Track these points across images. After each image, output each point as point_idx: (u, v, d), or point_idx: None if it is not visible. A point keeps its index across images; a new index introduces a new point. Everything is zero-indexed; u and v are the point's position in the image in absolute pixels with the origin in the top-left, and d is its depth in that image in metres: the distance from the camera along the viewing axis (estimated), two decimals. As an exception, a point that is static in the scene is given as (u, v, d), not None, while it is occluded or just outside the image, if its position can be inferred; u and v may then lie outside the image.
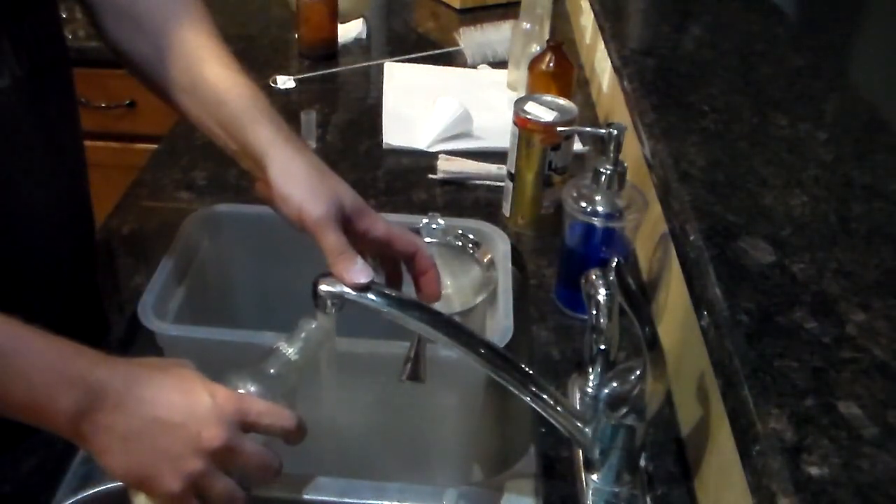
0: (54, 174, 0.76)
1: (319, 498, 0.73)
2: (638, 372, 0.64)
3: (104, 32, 0.78)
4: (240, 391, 0.62)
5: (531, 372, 0.65)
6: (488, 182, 1.16)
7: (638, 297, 0.61)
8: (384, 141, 1.26)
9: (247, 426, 0.60)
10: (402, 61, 1.54)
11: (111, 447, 0.58)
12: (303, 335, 0.64)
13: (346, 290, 0.63)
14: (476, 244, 0.86)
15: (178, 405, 0.58)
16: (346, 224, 0.67)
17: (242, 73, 0.74)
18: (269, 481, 0.63)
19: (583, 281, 0.72)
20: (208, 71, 0.73)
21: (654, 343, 0.61)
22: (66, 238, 0.80)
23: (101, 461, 0.59)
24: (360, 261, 0.64)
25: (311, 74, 1.48)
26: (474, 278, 0.85)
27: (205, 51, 0.74)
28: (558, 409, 0.66)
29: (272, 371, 0.63)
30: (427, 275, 0.70)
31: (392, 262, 0.72)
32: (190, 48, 0.74)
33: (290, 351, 0.63)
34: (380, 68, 1.51)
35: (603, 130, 0.86)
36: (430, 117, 1.27)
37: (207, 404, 0.58)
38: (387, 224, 0.70)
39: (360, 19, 1.67)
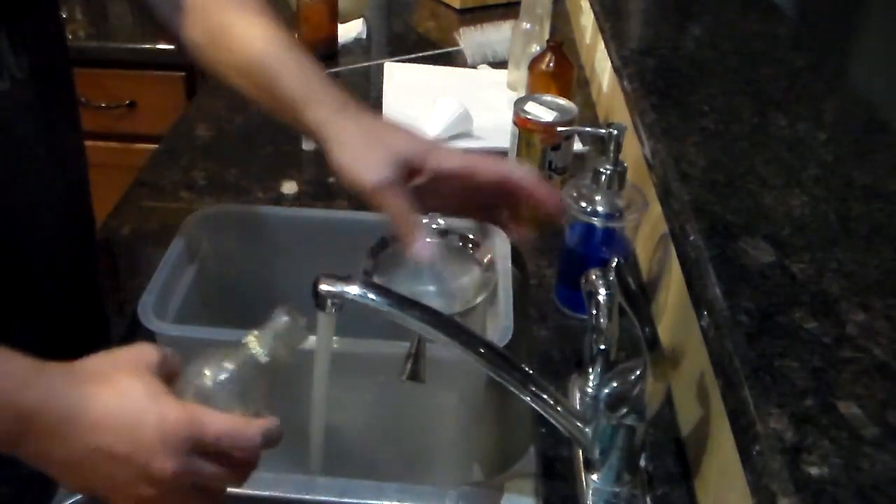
0: (55, 175, 0.76)
1: (319, 498, 0.73)
2: (638, 372, 0.64)
3: None
4: (197, 395, 0.56)
5: (531, 372, 0.65)
6: (488, 182, 1.16)
7: (638, 297, 0.61)
8: (384, 141, 1.26)
9: (202, 450, 0.54)
10: (402, 61, 1.54)
11: (53, 471, 0.54)
12: (272, 334, 0.58)
13: (346, 290, 0.63)
14: (476, 244, 0.86)
15: (122, 434, 0.52)
16: (415, 172, 0.65)
17: (274, 23, 0.72)
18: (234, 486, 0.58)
19: (583, 281, 0.72)
20: (241, 29, 0.72)
21: (654, 343, 0.61)
22: (67, 239, 0.80)
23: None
24: (420, 234, 0.63)
25: (311, 74, 1.48)
26: (474, 278, 0.85)
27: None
28: (558, 409, 0.66)
29: (236, 373, 0.57)
30: (533, 191, 0.65)
31: (482, 205, 0.69)
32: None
33: (259, 351, 0.58)
34: (380, 68, 1.51)
35: (603, 130, 0.86)
36: (430, 117, 1.27)
37: (153, 435, 0.52)
38: (461, 156, 0.66)
39: (360, 19, 1.68)
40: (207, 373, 0.56)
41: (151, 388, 0.53)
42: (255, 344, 0.57)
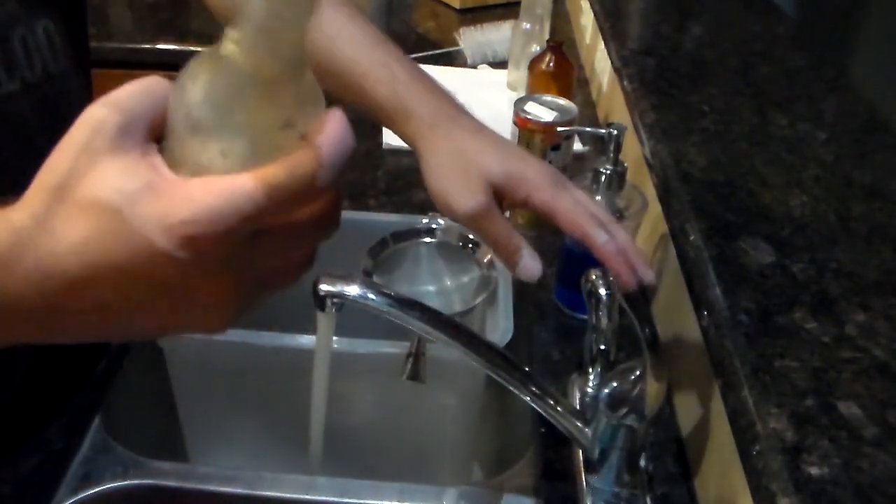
0: None
1: (319, 498, 0.73)
2: (638, 372, 0.64)
3: None
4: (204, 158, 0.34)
5: (531, 372, 0.65)
6: (488, 182, 1.16)
7: (638, 297, 0.61)
8: (384, 141, 1.26)
9: (246, 238, 0.34)
10: (402, 61, 1.54)
11: (89, 336, 0.40)
12: (253, 30, 0.33)
13: (346, 290, 0.63)
14: (476, 244, 0.86)
15: (127, 285, 0.35)
16: (504, 196, 0.62)
17: (355, 18, 0.68)
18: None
19: (583, 280, 0.72)
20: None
21: (654, 343, 0.61)
22: None
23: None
24: (524, 253, 0.60)
25: (311, 74, 1.48)
26: (474, 278, 0.85)
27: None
28: (558, 409, 0.66)
29: (233, 97, 0.34)
30: (607, 262, 0.60)
31: None
32: None
33: (248, 63, 0.33)
34: (380, 68, 1.51)
35: (603, 130, 0.86)
36: (430, 117, 1.26)
37: (166, 269, 0.34)
38: (548, 193, 0.61)
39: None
40: (204, 113, 0.34)
41: (125, 193, 0.33)
42: (237, 55, 0.33)
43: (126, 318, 0.37)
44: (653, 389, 0.64)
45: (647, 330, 0.60)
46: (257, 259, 0.36)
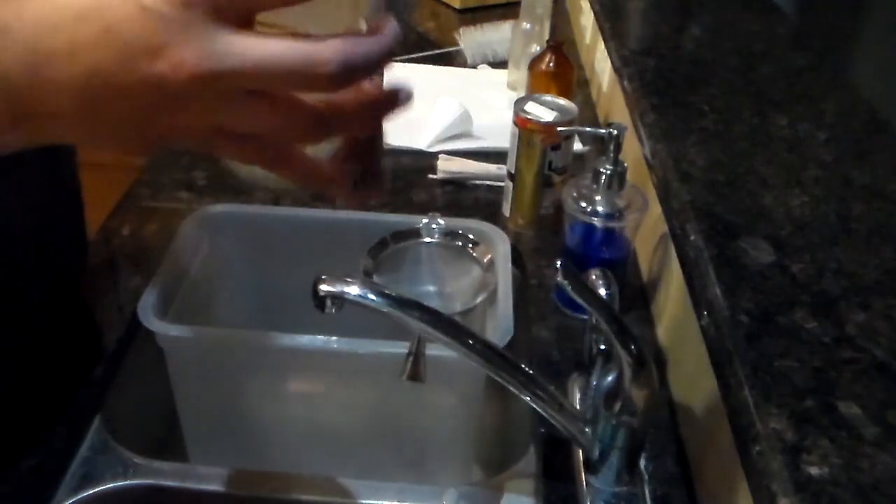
0: (50, 186, 0.76)
1: (319, 498, 0.73)
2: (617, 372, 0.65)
3: None
4: None
5: (531, 372, 0.65)
6: (488, 182, 1.16)
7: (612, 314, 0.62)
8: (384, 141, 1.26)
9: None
10: (402, 61, 1.54)
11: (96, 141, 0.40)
12: None
13: (346, 290, 0.63)
14: (476, 244, 0.86)
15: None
16: None
17: None
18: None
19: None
20: None
21: (641, 360, 0.62)
22: (56, 242, 0.79)
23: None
24: None
25: (311, 74, 1.48)
26: (474, 278, 0.85)
27: None
28: (558, 409, 0.66)
29: None
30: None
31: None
32: None
33: None
34: (380, 68, 1.51)
35: (603, 130, 0.86)
36: (430, 117, 1.27)
37: (157, 19, 0.34)
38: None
39: (361, 19, 1.67)
40: None
41: None
42: None
43: (113, 101, 0.37)
44: (639, 395, 0.64)
45: (631, 347, 0.61)
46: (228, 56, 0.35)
